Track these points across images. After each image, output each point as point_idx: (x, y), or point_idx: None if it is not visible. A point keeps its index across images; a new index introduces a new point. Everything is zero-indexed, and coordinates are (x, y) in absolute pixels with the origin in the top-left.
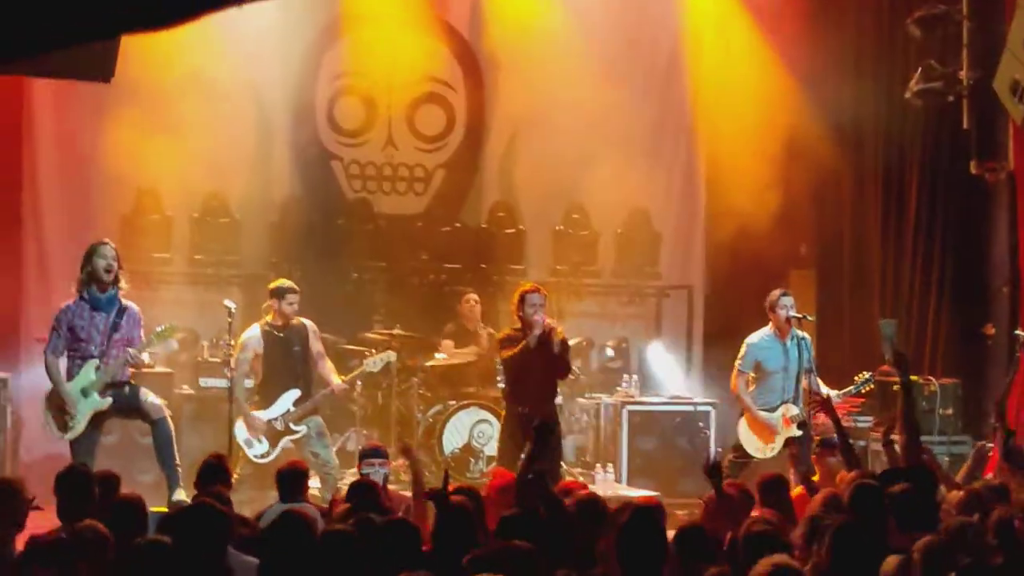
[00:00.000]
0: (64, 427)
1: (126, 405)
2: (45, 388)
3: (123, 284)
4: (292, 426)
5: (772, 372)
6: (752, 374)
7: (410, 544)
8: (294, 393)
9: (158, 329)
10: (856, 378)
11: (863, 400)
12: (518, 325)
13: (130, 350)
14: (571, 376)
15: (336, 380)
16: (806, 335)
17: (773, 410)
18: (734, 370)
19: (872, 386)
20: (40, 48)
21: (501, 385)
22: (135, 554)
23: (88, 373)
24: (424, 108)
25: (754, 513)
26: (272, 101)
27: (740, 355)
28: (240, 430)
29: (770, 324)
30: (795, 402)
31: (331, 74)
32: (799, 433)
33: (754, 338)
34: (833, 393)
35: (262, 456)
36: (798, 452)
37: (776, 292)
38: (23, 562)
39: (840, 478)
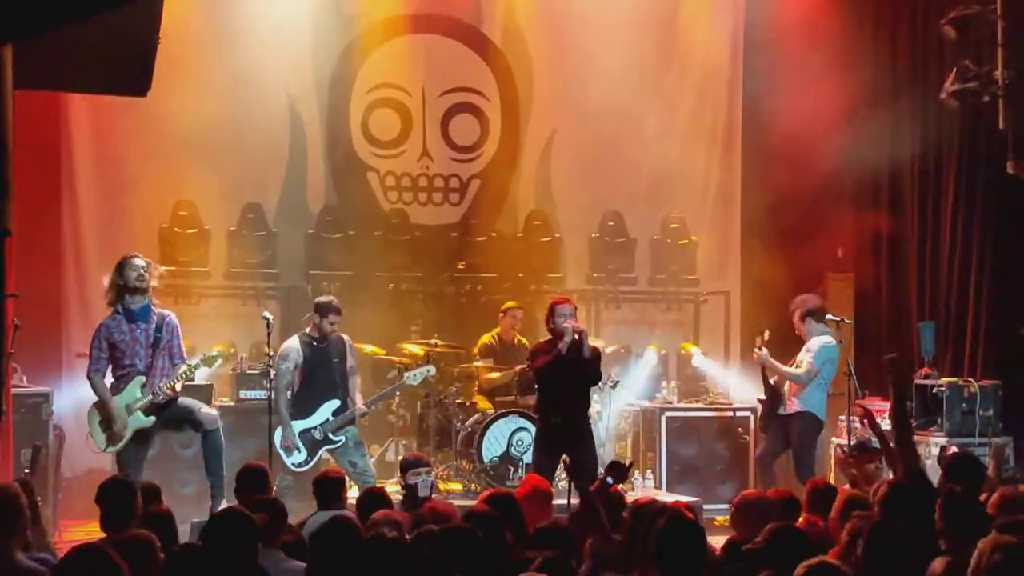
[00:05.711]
0: (106, 441)
1: (178, 418)
2: (87, 402)
3: (154, 283)
4: (331, 436)
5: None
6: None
7: (457, 550)
8: (333, 403)
9: (207, 355)
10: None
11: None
12: (549, 337)
13: (168, 382)
14: (607, 383)
15: (360, 400)
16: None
17: None
18: None
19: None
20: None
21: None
22: (169, 560)
23: (134, 390)
24: (458, 118)
25: (802, 519)
26: (307, 113)
27: None
28: (279, 438)
29: None
30: None
31: (365, 86)
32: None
33: None
34: None
35: (300, 465)
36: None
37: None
38: (63, 570)
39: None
